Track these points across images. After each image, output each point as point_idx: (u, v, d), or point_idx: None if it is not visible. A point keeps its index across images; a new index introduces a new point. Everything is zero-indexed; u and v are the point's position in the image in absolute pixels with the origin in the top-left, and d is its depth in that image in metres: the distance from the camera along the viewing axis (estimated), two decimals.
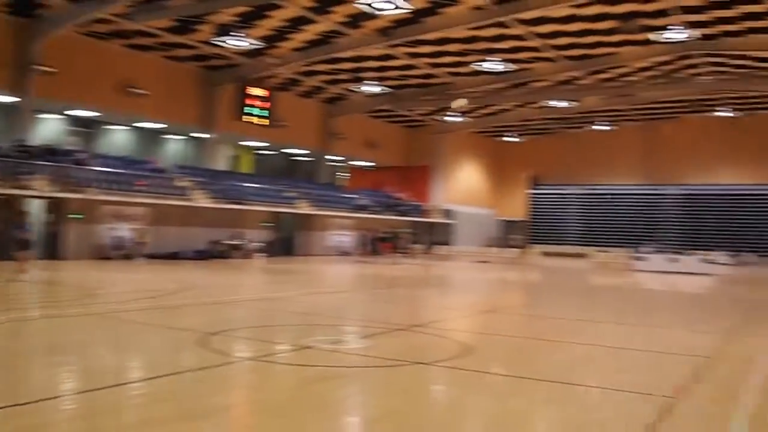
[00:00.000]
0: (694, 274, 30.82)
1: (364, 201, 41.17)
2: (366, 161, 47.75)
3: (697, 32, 28.91)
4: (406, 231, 44.02)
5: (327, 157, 42.92)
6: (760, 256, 44.36)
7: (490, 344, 11.18)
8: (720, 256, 38.18)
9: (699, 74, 37.14)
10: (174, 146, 36.62)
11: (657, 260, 34.35)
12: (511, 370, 8.81)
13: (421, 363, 8.62)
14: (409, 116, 46.14)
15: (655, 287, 25.88)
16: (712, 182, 48.83)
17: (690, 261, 33.80)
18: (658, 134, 50.54)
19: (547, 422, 6.42)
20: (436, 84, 38.27)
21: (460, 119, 45.46)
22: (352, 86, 36.79)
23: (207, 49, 30.31)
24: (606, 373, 8.72)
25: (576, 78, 37.44)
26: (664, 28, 27.92)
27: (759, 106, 44.67)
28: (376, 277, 25.57)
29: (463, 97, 11.79)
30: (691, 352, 10.10)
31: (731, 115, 45.68)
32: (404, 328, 11.67)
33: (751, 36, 30.04)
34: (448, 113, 42.02)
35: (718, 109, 45.09)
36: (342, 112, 41.46)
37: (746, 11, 27.09)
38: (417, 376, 8.02)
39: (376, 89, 36.57)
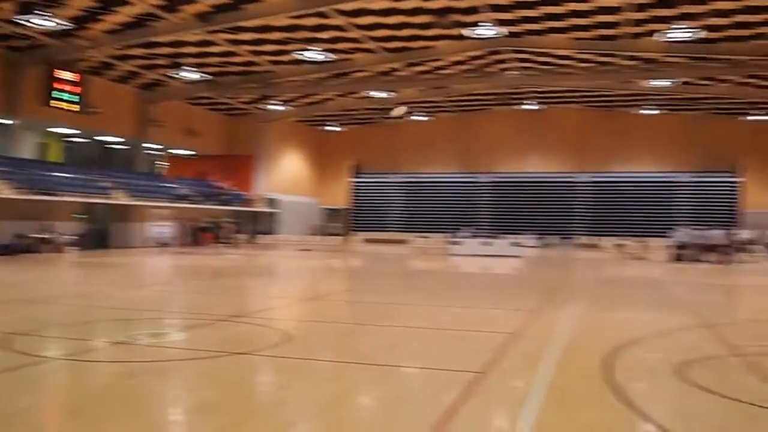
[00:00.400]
0: (505, 257, 32.80)
1: (184, 190, 40.01)
2: (186, 150, 46.34)
3: (504, 29, 30.68)
4: (228, 221, 43.30)
5: (145, 145, 41.18)
6: (562, 238, 48.13)
7: (311, 331, 11.34)
8: (528, 239, 40.93)
9: (507, 69, 39.42)
10: None
11: (472, 244, 36.21)
12: (331, 356, 9.00)
13: (241, 353, 8.60)
14: (231, 104, 45.35)
15: (469, 270, 27.28)
16: (521, 170, 52.26)
17: (501, 244, 35.94)
18: (471, 125, 53.18)
19: (363, 404, 6.65)
20: (257, 72, 37.87)
21: (281, 108, 45.31)
22: (170, 72, 35.51)
23: (9, 28, 27.99)
24: (422, 354, 9.15)
25: (395, 69, 38.46)
26: (475, 24, 29.39)
27: (560, 100, 48.32)
28: (197, 269, 25.00)
29: (401, 106, 11.87)
30: (500, 329, 10.81)
31: (536, 108, 49.09)
32: (225, 319, 11.55)
33: (552, 35, 32.35)
34: (387, 117, 41.86)
35: (525, 102, 48.29)
36: (160, 99, 39.92)
37: (548, 12, 29.13)
38: (235, 366, 7.99)
39: (196, 76, 35.56)
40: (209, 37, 31.35)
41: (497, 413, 6.22)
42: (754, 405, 6.48)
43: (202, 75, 36.07)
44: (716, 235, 31.96)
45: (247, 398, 6.76)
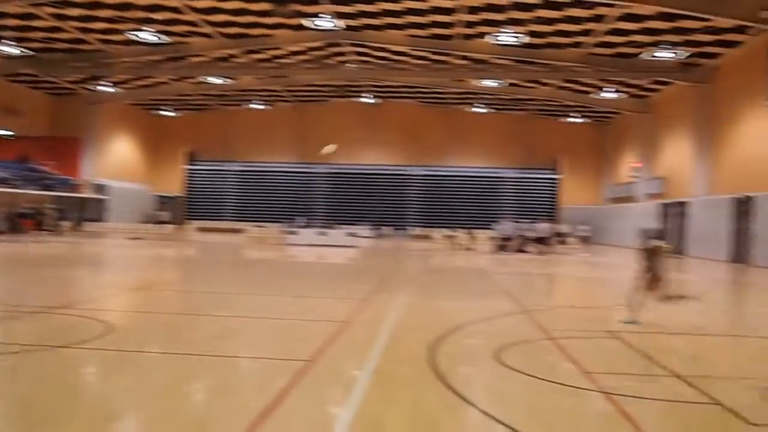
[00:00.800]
0: (340, 247, 33.24)
1: (2, 173, 37.14)
2: (5, 130, 42.99)
3: (343, 23, 31.03)
4: (51, 207, 40.72)
5: None
6: (396, 229, 49.52)
7: (138, 322, 10.98)
8: (363, 229, 41.68)
9: (346, 62, 39.88)
10: None
11: (308, 234, 36.39)
12: (158, 347, 8.77)
13: (60, 346, 8.18)
14: (57, 83, 42.62)
15: (304, 260, 27.41)
16: (357, 162, 53.09)
17: (337, 234, 36.38)
18: (309, 116, 53.33)
19: (187, 395, 6.55)
20: (86, 50, 35.91)
21: (112, 90, 43.17)
22: None
23: None
24: (252, 343, 9.13)
25: (233, 56, 37.81)
26: (315, 15, 29.49)
27: (397, 95, 49.56)
28: (13, 257, 23.35)
29: (332, 144, 11.70)
30: (331, 318, 11.00)
31: (373, 101, 50.06)
32: (44, 311, 10.91)
33: (389, 31, 33.11)
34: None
35: (362, 95, 49.07)
36: None
37: (386, 8, 29.79)
38: (52, 361, 7.60)
39: (16, 51, 33.08)
40: (32, 10, 29.33)
41: (322, 399, 6.36)
42: (558, 383, 7.06)
43: (24, 50, 33.65)
44: (540, 227, 34.29)
45: (63, 393, 6.46)
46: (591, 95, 42.37)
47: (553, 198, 52.02)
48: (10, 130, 43.17)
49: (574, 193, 51.29)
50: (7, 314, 10.53)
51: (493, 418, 5.84)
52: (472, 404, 6.27)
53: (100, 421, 5.49)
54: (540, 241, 35.02)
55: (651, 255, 10.82)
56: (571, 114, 49.64)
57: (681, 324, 11.18)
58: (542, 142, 51.84)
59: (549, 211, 50.10)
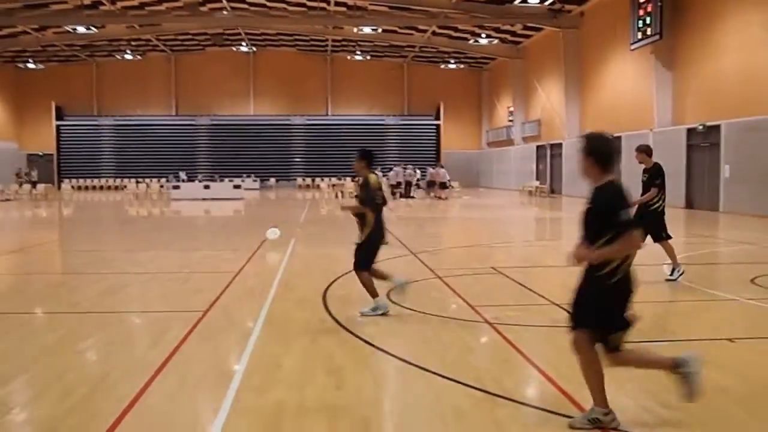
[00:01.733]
0: (226, 200, 32.77)
1: None
2: None
3: None
4: None
5: None
6: (278, 180, 49.23)
7: (19, 284, 10.59)
8: (248, 181, 41.17)
9: (220, 9, 38.69)
10: None
11: (191, 188, 35.63)
12: (42, 307, 8.53)
13: None
14: None
15: (190, 214, 26.89)
16: (239, 113, 52.03)
17: (222, 187, 35.81)
18: (186, 66, 51.60)
19: (78, 351, 6.45)
20: None
21: None
22: None
23: None
24: (143, 298, 9.03)
25: (100, 3, 35.89)
26: None
27: (275, 43, 48.70)
28: None
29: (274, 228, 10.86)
30: (222, 269, 10.99)
31: (250, 50, 49.06)
32: None
33: None
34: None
35: (239, 44, 47.96)
36: None
37: None
38: None
39: None
40: None
41: (220, 346, 6.43)
42: (447, 317, 7.44)
43: None
44: (436, 173, 34.97)
45: None
46: (467, 41, 43.12)
47: (434, 144, 52.98)
48: None
49: (455, 139, 52.44)
50: None
51: (387, 352, 6.11)
52: (366, 341, 6.52)
53: None
54: (430, 185, 35.95)
55: None
56: (449, 60, 50.42)
57: (552, 259, 11.87)
58: (422, 89, 52.48)
59: (431, 157, 51.07)
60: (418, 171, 38.30)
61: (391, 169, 37.38)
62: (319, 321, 7.37)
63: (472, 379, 5.21)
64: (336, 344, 6.39)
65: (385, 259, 12.21)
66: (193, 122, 51.76)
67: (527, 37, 40.90)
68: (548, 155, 39.15)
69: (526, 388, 5.18)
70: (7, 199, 36.28)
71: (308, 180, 49.66)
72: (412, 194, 35.18)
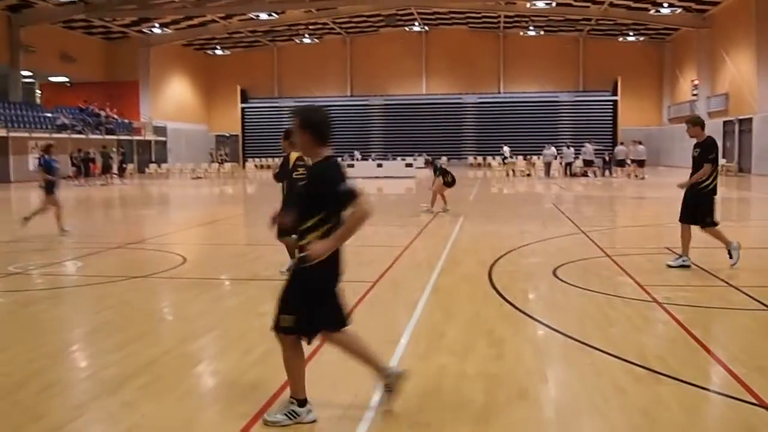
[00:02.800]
0: (398, 178, 33.51)
1: (66, 120, 38.25)
2: (62, 76, 44.06)
3: None
4: (114, 150, 41.85)
5: (24, 73, 38.82)
6: (449, 158, 49.36)
7: (208, 254, 11.54)
8: (420, 160, 41.74)
9: None
10: None
11: (365, 166, 36.72)
12: (226, 274, 9.28)
13: (139, 276, 8.76)
14: (109, 27, 43.15)
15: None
16: (411, 93, 52.74)
17: (394, 166, 36.64)
18: (360, 48, 53.00)
19: (258, 315, 7.00)
20: None
21: (163, 31, 43.60)
22: None
23: None
24: None
25: None
26: None
27: (447, 21, 48.80)
28: (86, 200, 24.32)
29: None
30: (392, 243, 11.38)
31: (422, 29, 49.47)
32: (120, 246, 11.56)
33: None
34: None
35: (411, 24, 48.52)
36: (30, 22, 37.40)
37: None
38: (133, 289, 8.16)
39: None
40: None
41: (387, 314, 6.74)
42: (613, 295, 7.30)
43: None
44: (635, 149, 33.33)
45: (146, 316, 7.01)
46: (647, 12, 40.94)
47: (610, 121, 50.92)
48: (68, 77, 44.23)
49: (633, 115, 50.04)
50: (89, 250, 11.19)
51: (549, 326, 6.13)
52: (529, 315, 6.57)
53: (181, 338, 5.99)
54: (621, 164, 34.68)
55: None
56: (627, 33, 48.14)
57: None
58: (598, 64, 50.48)
59: (606, 134, 49.19)
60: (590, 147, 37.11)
61: (567, 146, 36.42)
62: (484, 295, 7.49)
63: (636, 357, 5.13)
64: (499, 317, 6.49)
65: (553, 237, 12.12)
66: (366, 102, 53.16)
67: (714, 4, 38.19)
68: (736, 131, 36.50)
69: (693, 368, 5.01)
70: (198, 177, 39.25)
71: (479, 158, 49.45)
72: (587, 172, 34.20)
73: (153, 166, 44.29)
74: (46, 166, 13.34)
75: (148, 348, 5.63)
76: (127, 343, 5.73)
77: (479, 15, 46.37)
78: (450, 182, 16.71)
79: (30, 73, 40.85)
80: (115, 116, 43.10)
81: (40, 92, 46.44)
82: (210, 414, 4.35)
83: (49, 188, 13.12)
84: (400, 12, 45.60)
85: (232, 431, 3.90)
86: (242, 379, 4.81)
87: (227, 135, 54.79)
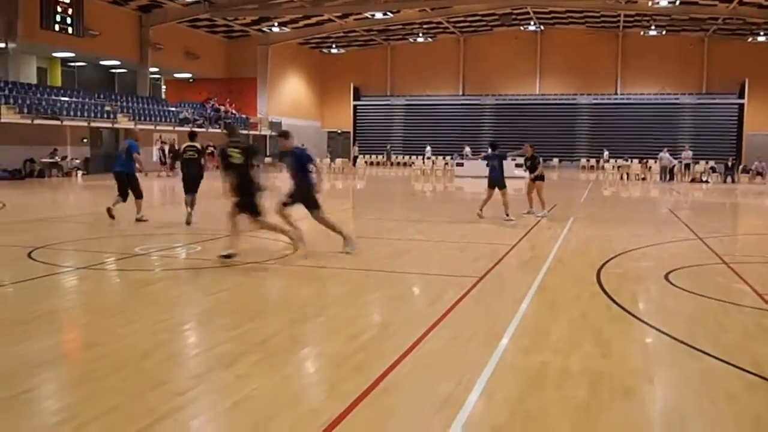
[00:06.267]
0: (508, 178, 33.08)
1: (187, 114, 40.08)
2: (186, 73, 46.19)
3: None
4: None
5: (151, 69, 41.04)
6: (561, 160, 48.46)
7: (318, 242, 11.86)
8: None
9: None
10: None
11: (475, 165, 36.54)
12: (335, 263, 9.53)
13: (254, 262, 9.14)
14: (231, 26, 44.87)
15: (471, 190, 27.71)
16: (523, 93, 52.04)
17: (504, 165, 36.23)
18: (473, 47, 52.75)
19: (365, 303, 7.19)
20: None
21: (281, 30, 44.89)
22: None
23: None
24: (423, 262, 9.69)
25: None
26: None
27: (563, 20, 47.83)
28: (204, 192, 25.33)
29: None
30: (498, 241, 11.36)
31: (537, 29, 48.70)
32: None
33: None
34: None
35: (526, 23, 47.83)
36: (159, 21, 39.48)
37: None
38: (247, 274, 8.52)
39: None
40: None
41: (490, 310, 6.76)
42: (728, 302, 7.04)
43: None
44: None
45: (258, 299, 7.34)
46: None
47: (734, 125, 48.46)
48: (191, 73, 46.30)
49: (762, 120, 47.35)
50: (206, 236, 11.75)
51: (658, 329, 5.99)
52: (638, 318, 6.44)
53: (289, 322, 6.24)
54: (728, 169, 33.26)
55: None
56: (758, 32, 45.63)
57: None
58: (723, 65, 48.07)
59: (730, 138, 46.90)
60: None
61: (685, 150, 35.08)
62: (591, 295, 7.38)
63: (749, 364, 4.96)
64: (606, 319, 6.39)
65: (667, 242, 11.75)
66: (478, 102, 52.85)
67: None
68: None
69: None
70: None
71: (592, 161, 48.19)
72: (704, 178, 32.80)
73: (268, 159, 45.60)
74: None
75: (260, 328, 5.91)
76: (241, 323, 6.03)
77: (598, 14, 45.20)
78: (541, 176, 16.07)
79: (156, 70, 42.99)
80: (234, 111, 44.72)
81: (165, 87, 48.83)
82: (316, 392, 4.54)
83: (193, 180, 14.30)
84: (515, 11, 45.06)
85: (336, 409, 4.04)
86: (347, 362, 4.97)
87: (338, 131, 55.84)
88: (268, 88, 48.19)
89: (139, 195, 13.91)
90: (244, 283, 7.94)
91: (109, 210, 13.33)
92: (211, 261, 9.16)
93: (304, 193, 9.77)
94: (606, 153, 45.48)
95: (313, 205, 9.81)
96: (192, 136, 14.83)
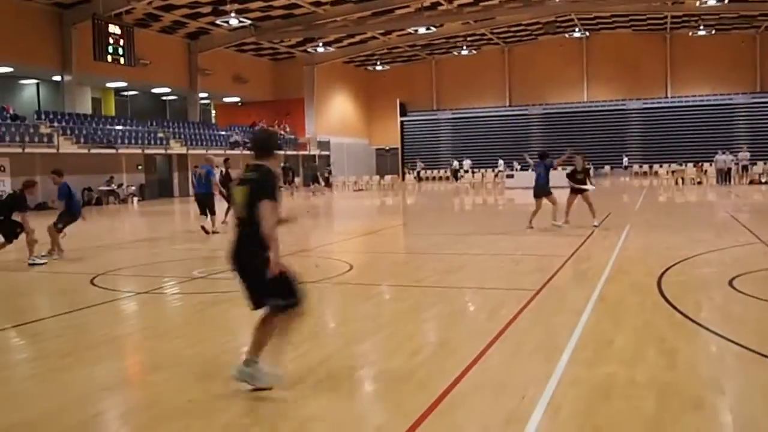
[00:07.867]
0: (559, 188, 32.78)
1: (237, 137, 40.72)
2: (235, 97, 47.01)
3: None
4: (283, 166, 43.90)
5: (200, 95, 41.90)
6: (612, 167, 47.69)
7: (371, 261, 11.91)
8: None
9: None
10: (28, 92, 34.72)
11: (525, 177, 36.25)
12: (391, 281, 9.55)
13: (308, 282, 9.18)
14: (277, 49, 45.53)
15: (522, 201, 27.49)
16: (571, 100, 51.46)
17: (555, 175, 35.83)
18: (518, 57, 52.48)
19: (421, 319, 7.17)
20: (299, 15, 37.90)
21: (326, 50, 45.37)
22: (214, 20, 35.65)
23: None
24: (479, 276, 9.63)
25: (438, 3, 38.13)
26: None
27: (608, 25, 47.28)
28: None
29: None
30: (554, 253, 11.22)
31: (583, 35, 48.22)
32: (291, 254, 12.16)
33: None
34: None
35: (571, 30, 47.39)
36: (206, 47, 40.29)
37: None
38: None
39: (235, 21, 35.35)
40: None
41: (551, 322, 6.67)
42: None
43: (242, 20, 35.79)
44: None
45: (318, 318, 7.36)
46: None
47: None
48: (239, 97, 47.11)
49: None
50: None
51: (725, 337, 5.83)
52: (701, 324, 6.29)
53: (348, 341, 6.26)
54: None
55: None
56: None
57: None
58: None
59: None
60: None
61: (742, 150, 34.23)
62: (653, 304, 7.24)
63: None
64: (669, 327, 6.26)
65: (729, 247, 11.45)
66: (525, 112, 52.48)
67: None
68: None
69: None
70: (360, 189, 40.41)
71: (645, 167, 47.28)
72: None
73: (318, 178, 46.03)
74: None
75: (321, 347, 5.95)
76: (301, 343, 6.06)
77: (644, 17, 44.57)
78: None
79: (206, 95, 43.87)
80: (284, 132, 45.24)
81: (214, 112, 49.75)
82: (379, 411, 4.54)
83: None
84: (559, 19, 44.71)
85: (401, 427, 4.04)
86: (409, 379, 4.96)
87: (386, 148, 56.00)
88: (315, 107, 48.67)
89: (213, 212, 15.82)
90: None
91: (203, 227, 15.39)
92: None
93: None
94: (625, 159, 44.64)
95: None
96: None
